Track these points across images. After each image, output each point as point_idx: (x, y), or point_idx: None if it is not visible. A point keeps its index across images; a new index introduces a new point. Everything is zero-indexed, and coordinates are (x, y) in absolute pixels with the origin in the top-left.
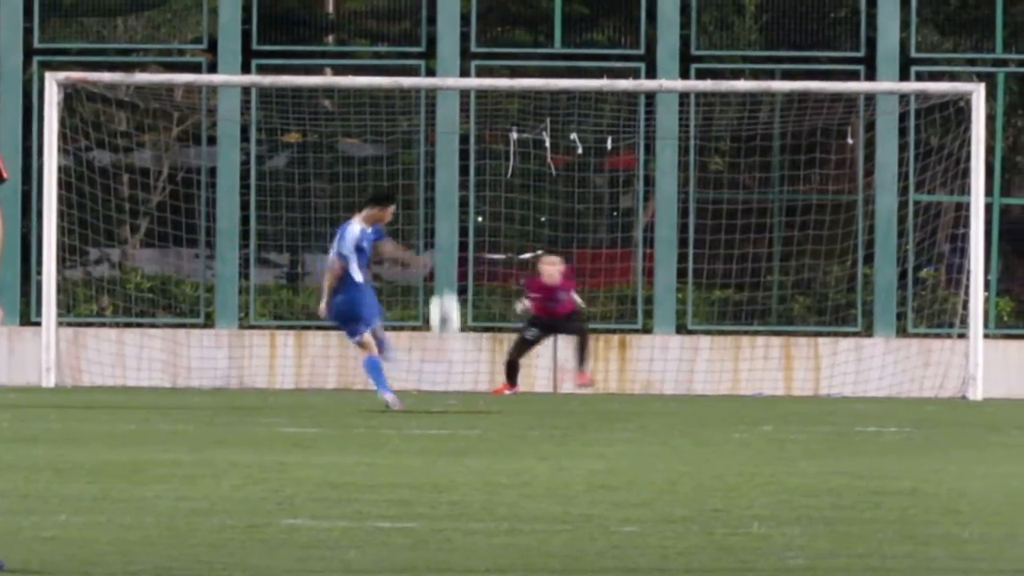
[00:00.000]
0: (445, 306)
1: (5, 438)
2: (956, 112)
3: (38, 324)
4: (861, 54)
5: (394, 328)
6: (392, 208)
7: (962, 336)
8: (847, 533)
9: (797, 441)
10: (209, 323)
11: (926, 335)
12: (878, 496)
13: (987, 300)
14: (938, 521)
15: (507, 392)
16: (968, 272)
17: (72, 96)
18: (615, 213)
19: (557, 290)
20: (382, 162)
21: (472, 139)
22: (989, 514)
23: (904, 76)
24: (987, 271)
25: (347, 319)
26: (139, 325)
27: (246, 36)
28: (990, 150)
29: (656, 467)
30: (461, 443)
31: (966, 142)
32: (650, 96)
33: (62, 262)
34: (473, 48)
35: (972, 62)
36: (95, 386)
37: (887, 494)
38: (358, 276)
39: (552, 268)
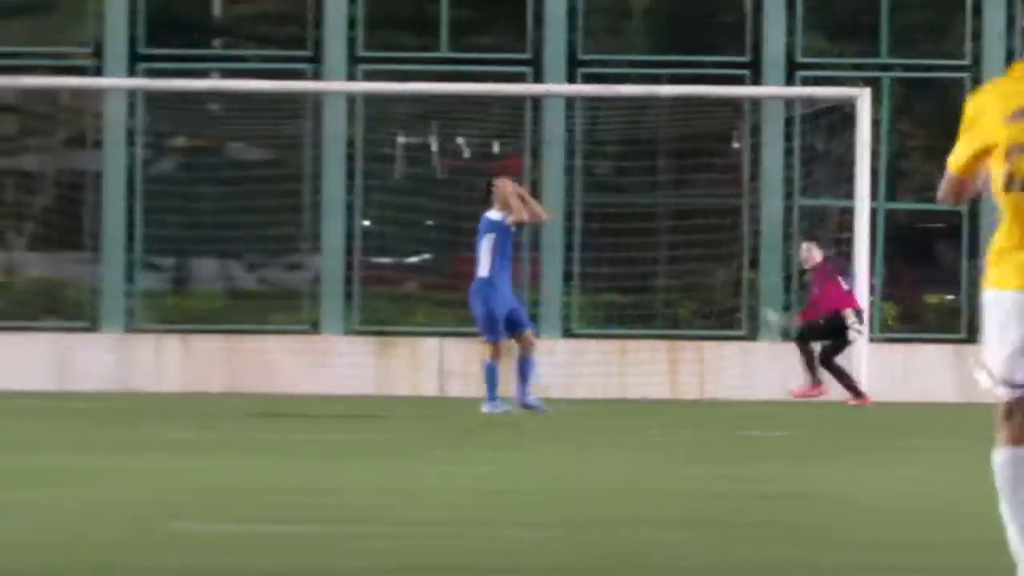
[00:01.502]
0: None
1: None
2: (842, 117)
3: None
4: (747, 59)
5: (280, 332)
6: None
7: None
8: (734, 537)
9: (683, 445)
10: (95, 327)
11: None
12: (765, 500)
13: (872, 305)
14: (825, 525)
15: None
16: (853, 277)
17: None
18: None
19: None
20: (269, 166)
21: (359, 143)
22: (876, 517)
23: (790, 81)
24: (872, 276)
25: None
26: (25, 329)
27: (133, 40)
28: (875, 155)
29: (543, 472)
30: (348, 447)
31: (852, 147)
32: (537, 100)
33: None
34: (360, 52)
35: (858, 67)
36: None
37: (774, 498)
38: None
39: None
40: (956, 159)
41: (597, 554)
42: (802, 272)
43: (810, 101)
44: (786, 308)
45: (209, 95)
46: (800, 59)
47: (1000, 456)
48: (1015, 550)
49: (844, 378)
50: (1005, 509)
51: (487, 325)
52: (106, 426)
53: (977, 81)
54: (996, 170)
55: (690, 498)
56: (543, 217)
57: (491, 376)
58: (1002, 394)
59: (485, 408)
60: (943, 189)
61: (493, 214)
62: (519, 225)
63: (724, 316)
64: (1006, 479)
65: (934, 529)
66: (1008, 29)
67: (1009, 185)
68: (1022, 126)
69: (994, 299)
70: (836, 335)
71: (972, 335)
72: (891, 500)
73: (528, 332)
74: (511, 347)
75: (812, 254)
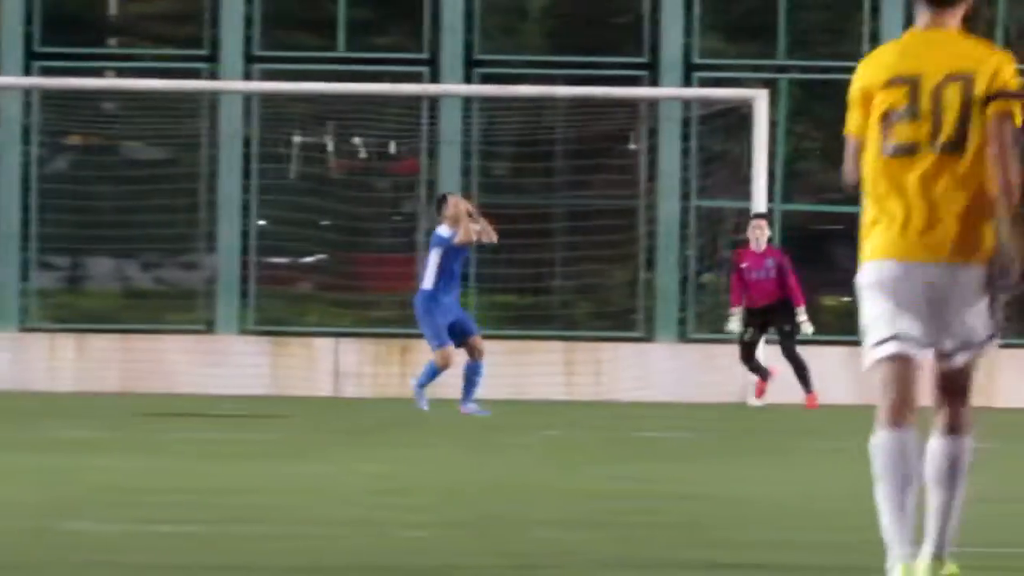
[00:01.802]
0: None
1: None
2: (739, 118)
3: None
4: (645, 60)
5: (175, 331)
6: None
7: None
8: (631, 538)
9: (580, 446)
10: None
11: (708, 340)
12: (661, 501)
13: None
14: (721, 525)
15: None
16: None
17: None
18: (397, 217)
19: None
20: (165, 165)
21: (255, 143)
22: (771, 518)
23: (687, 82)
24: None
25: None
26: None
27: (29, 38)
28: (772, 156)
29: (440, 472)
30: (246, 447)
31: (749, 148)
32: (434, 101)
33: None
34: (257, 52)
35: (755, 68)
36: None
37: (670, 499)
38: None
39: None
40: (852, 123)
41: (492, 553)
42: (699, 272)
43: (707, 102)
44: (682, 309)
45: (105, 94)
46: (697, 60)
47: (877, 439)
48: (887, 535)
49: (761, 371)
50: (880, 492)
51: (432, 333)
52: (0, 426)
53: None
54: (873, 134)
55: (586, 498)
56: (494, 237)
57: (430, 377)
58: (886, 350)
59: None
60: (846, 161)
61: (443, 230)
62: (466, 245)
63: (621, 317)
64: (882, 462)
65: (821, 530)
66: (906, 30)
67: (884, 150)
68: (899, 91)
69: (873, 268)
70: (768, 328)
71: None
72: (783, 501)
73: (476, 338)
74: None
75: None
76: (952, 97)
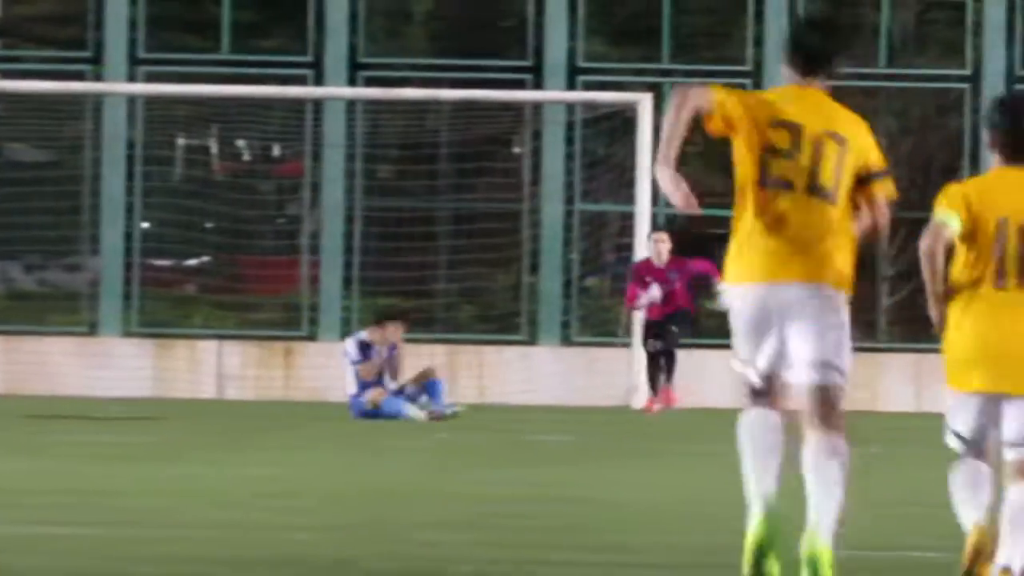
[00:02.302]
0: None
1: None
2: (623, 122)
3: None
4: (529, 63)
5: (58, 333)
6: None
7: (626, 345)
8: (515, 541)
9: (465, 449)
10: None
11: (591, 344)
12: (544, 504)
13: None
14: (602, 528)
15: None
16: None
17: None
18: (281, 220)
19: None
20: (49, 167)
21: (139, 145)
22: (654, 520)
23: (571, 86)
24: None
25: None
26: None
27: None
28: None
29: (323, 475)
30: (128, 449)
31: (632, 152)
32: (318, 103)
33: None
34: (141, 54)
35: (639, 72)
36: None
37: (553, 502)
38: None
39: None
40: (718, 101)
41: (374, 556)
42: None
43: (591, 106)
44: (565, 312)
45: None
46: (582, 64)
47: (747, 416)
48: (751, 497)
49: (654, 379)
50: (746, 462)
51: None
52: None
53: (758, 87)
54: (750, 166)
55: (470, 502)
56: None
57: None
58: (752, 379)
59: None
60: (694, 98)
61: (354, 346)
62: (366, 378)
63: (504, 320)
64: (749, 433)
65: (700, 532)
66: (788, 35)
67: (763, 182)
68: (783, 134)
69: (739, 293)
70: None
71: None
72: (664, 503)
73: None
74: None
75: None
76: (830, 153)
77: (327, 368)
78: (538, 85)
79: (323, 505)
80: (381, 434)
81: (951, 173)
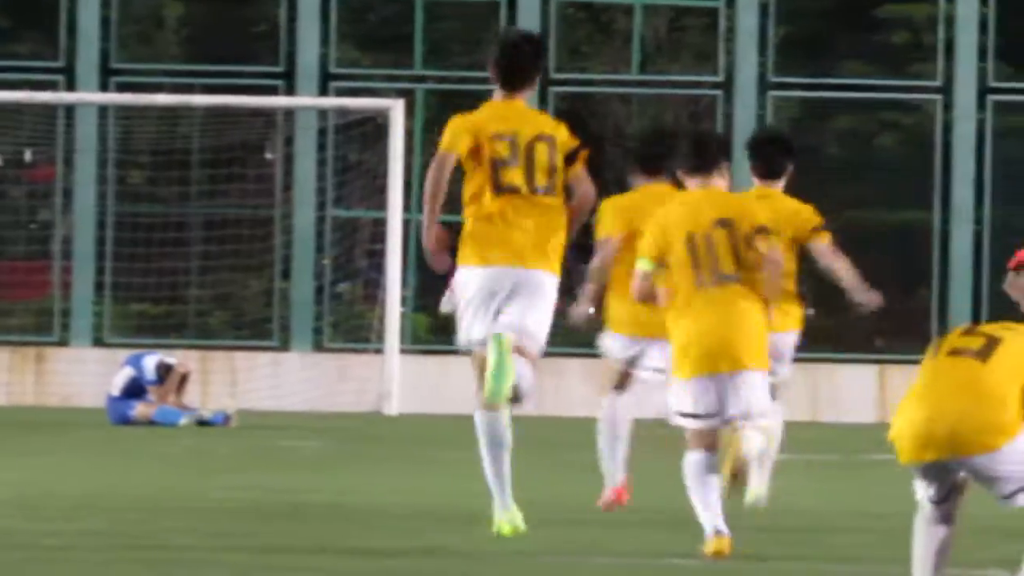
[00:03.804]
0: None
1: None
2: (375, 128)
3: None
4: (281, 69)
5: None
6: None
7: (379, 351)
8: (267, 546)
9: (217, 455)
10: None
11: (343, 350)
12: (298, 509)
13: (404, 316)
14: (354, 534)
15: None
16: (385, 288)
17: None
18: (33, 225)
19: None
20: None
21: None
22: (404, 524)
23: (324, 92)
24: (404, 287)
25: None
26: None
27: None
28: (408, 166)
29: (75, 480)
30: None
31: (385, 158)
32: (70, 109)
33: None
34: None
35: (391, 78)
36: None
37: (307, 507)
38: None
39: None
40: (450, 140)
41: (123, 562)
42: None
43: (343, 112)
44: (317, 318)
45: None
46: (334, 70)
47: (479, 416)
48: (489, 481)
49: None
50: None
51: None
52: None
53: None
54: (485, 177)
55: (224, 508)
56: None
57: None
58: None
59: None
60: (438, 170)
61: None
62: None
63: (256, 326)
64: (483, 432)
65: (452, 533)
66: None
67: (497, 188)
68: (503, 144)
69: (472, 274)
70: None
71: None
72: (420, 509)
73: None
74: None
75: None
76: (541, 153)
77: (78, 374)
78: (290, 91)
79: (74, 511)
80: (134, 440)
81: None
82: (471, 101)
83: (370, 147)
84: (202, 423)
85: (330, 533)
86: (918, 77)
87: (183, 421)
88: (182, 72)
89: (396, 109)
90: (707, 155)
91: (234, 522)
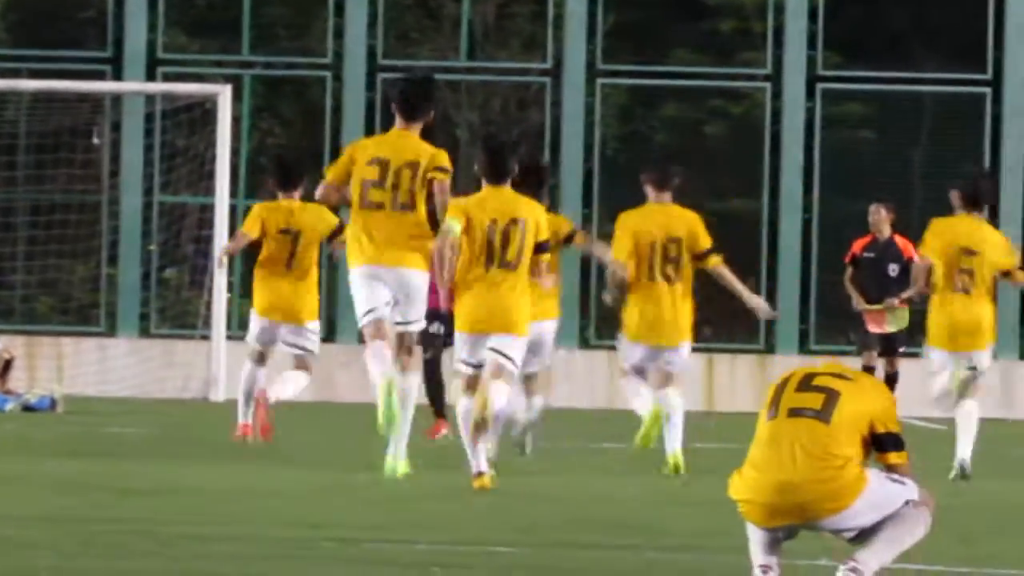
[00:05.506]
0: None
1: None
2: (203, 114)
3: None
4: (109, 54)
5: None
6: None
7: (205, 338)
8: (93, 532)
9: (42, 440)
10: None
11: (170, 336)
12: (123, 496)
13: (230, 302)
14: (178, 521)
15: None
16: (211, 274)
17: None
18: None
19: None
20: None
21: None
22: (229, 512)
23: (151, 77)
24: (231, 274)
25: None
26: None
27: None
28: (236, 152)
29: None
30: None
31: (212, 144)
32: None
33: None
34: None
35: (219, 64)
36: None
37: (132, 494)
38: None
39: None
40: (331, 174)
41: None
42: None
43: (171, 97)
44: (144, 304)
45: None
46: (161, 55)
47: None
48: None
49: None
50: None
51: None
52: None
53: (339, 79)
54: (355, 194)
55: (50, 494)
56: None
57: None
58: (369, 318)
59: None
60: (325, 192)
61: None
62: None
63: (82, 312)
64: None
65: (274, 524)
66: (369, 28)
67: (361, 203)
68: (374, 168)
69: (358, 272)
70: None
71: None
72: (239, 495)
73: None
74: None
75: None
76: (406, 177)
77: None
78: (118, 76)
79: None
80: None
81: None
82: (298, 88)
83: (197, 133)
84: (28, 408)
85: (148, 520)
86: (747, 65)
87: (9, 407)
88: (9, 57)
89: (224, 95)
90: (503, 165)
91: (58, 508)
